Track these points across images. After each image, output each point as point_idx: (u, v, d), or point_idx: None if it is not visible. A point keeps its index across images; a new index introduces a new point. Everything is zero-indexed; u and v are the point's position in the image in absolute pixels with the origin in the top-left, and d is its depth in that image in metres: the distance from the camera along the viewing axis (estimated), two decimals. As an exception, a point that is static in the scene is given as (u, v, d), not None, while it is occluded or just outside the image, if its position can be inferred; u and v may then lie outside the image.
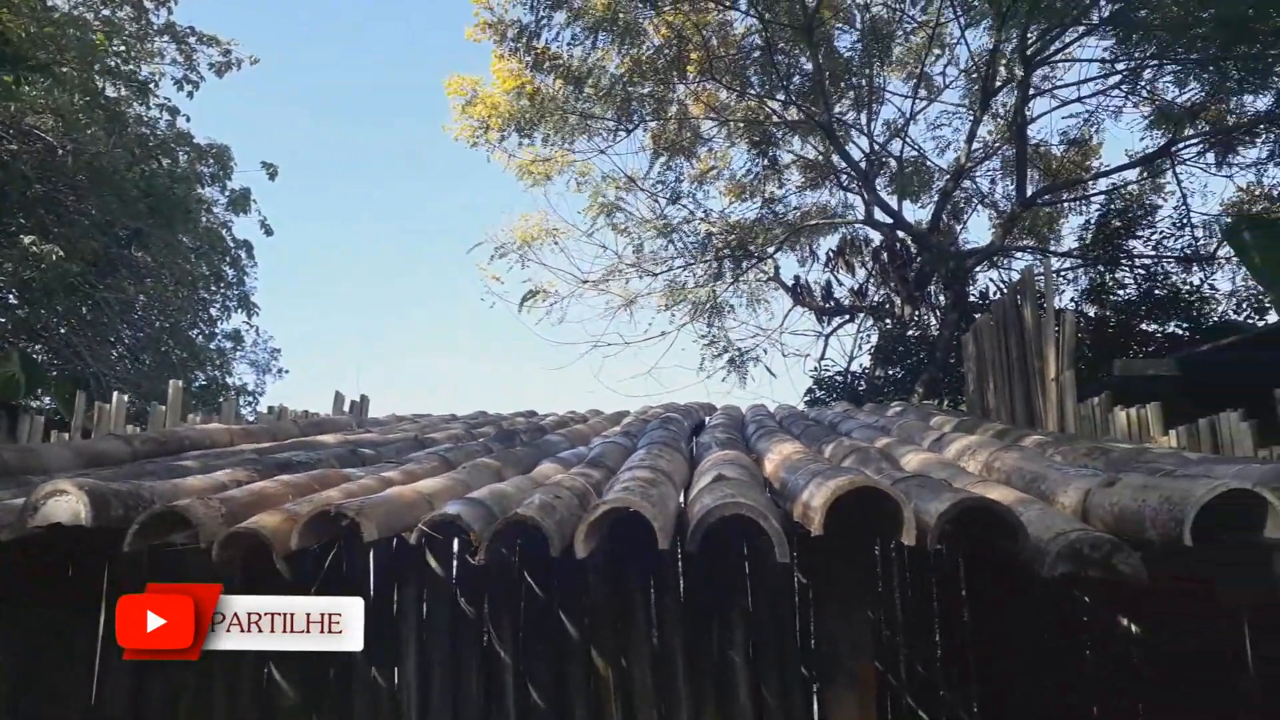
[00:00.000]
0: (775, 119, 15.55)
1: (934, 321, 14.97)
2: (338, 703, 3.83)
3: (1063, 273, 14.86)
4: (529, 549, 3.96)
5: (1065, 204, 15.82)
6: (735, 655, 3.62)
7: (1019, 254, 15.69)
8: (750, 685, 3.63)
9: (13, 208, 14.21)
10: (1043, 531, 2.67)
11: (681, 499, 3.53)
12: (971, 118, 14.73)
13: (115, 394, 6.25)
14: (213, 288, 20.25)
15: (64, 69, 14.17)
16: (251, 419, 9.32)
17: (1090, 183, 15.27)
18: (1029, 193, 14.39)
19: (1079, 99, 14.49)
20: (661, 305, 16.32)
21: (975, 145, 14.89)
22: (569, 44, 14.71)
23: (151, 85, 17.06)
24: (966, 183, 15.46)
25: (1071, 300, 14.05)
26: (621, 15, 14.00)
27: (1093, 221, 14.77)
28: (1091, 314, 13.76)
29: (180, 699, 3.82)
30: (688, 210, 16.15)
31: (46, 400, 13.83)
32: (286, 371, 22.87)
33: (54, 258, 14.85)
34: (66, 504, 2.90)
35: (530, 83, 14.98)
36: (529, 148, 16.00)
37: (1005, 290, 13.56)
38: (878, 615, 5.24)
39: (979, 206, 16.30)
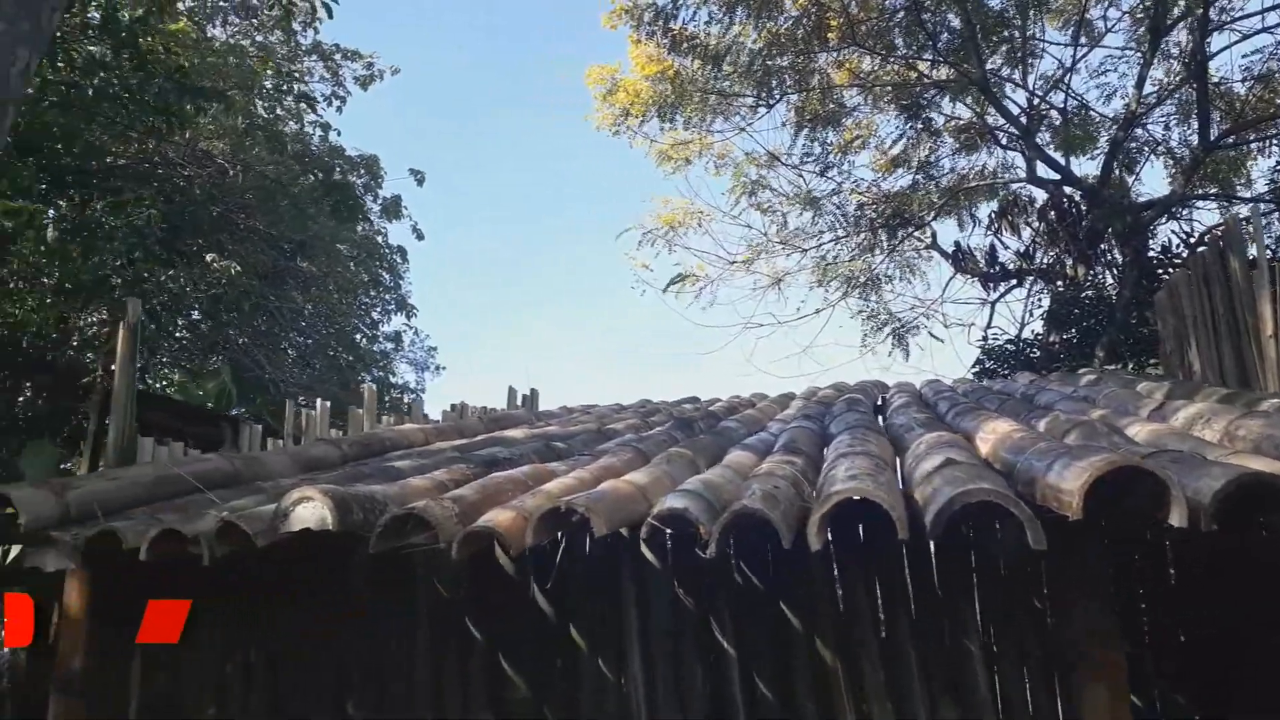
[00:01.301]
0: (924, 80, 14.93)
1: (1110, 281, 14.05)
2: (566, 694, 3.88)
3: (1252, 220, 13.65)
4: (743, 539, 3.90)
5: (1253, 146, 14.54)
6: (971, 645, 3.45)
7: (1201, 204, 14.54)
8: (988, 677, 3.46)
9: (193, 228, 15.16)
10: (1338, 508, 2.43)
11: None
12: (1140, 60, 13.73)
13: (319, 401, 6.60)
14: (372, 293, 21.21)
15: (230, 94, 15.02)
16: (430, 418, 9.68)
17: (1281, 120, 13.98)
18: (1212, 136, 13.29)
19: (1264, 29, 13.27)
20: (813, 281, 16.00)
21: (1146, 90, 13.87)
22: (705, 23, 14.58)
23: (310, 102, 17.94)
24: (1138, 131, 14.40)
25: (1267, 248, 12.91)
26: (758, -13, 13.77)
27: (1286, 163, 13.54)
28: (1288, 262, 12.60)
29: (417, 691, 3.96)
30: (835, 182, 15.75)
31: (238, 410, 14.74)
32: (443, 368, 23.68)
33: (233, 272, 15.85)
34: (313, 509, 3.03)
35: (670, 66, 14.90)
36: (670, 131, 15.94)
37: (1190, 242, 12.60)
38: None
39: (1153, 155, 15.14)
